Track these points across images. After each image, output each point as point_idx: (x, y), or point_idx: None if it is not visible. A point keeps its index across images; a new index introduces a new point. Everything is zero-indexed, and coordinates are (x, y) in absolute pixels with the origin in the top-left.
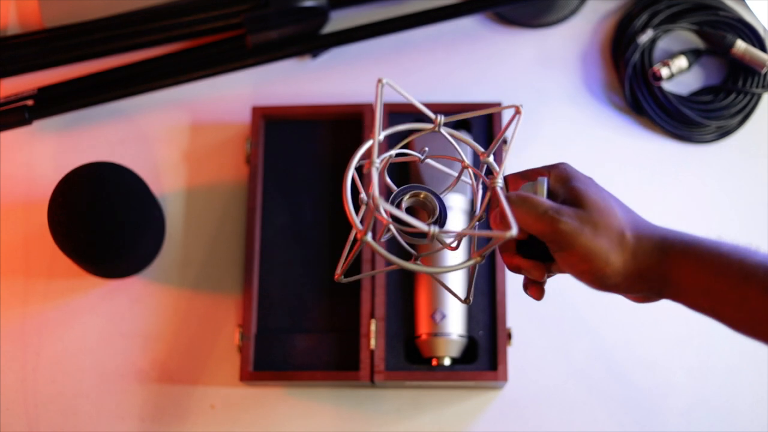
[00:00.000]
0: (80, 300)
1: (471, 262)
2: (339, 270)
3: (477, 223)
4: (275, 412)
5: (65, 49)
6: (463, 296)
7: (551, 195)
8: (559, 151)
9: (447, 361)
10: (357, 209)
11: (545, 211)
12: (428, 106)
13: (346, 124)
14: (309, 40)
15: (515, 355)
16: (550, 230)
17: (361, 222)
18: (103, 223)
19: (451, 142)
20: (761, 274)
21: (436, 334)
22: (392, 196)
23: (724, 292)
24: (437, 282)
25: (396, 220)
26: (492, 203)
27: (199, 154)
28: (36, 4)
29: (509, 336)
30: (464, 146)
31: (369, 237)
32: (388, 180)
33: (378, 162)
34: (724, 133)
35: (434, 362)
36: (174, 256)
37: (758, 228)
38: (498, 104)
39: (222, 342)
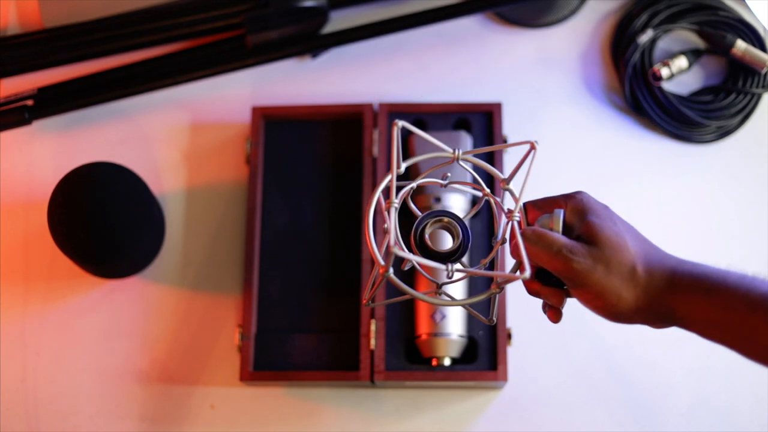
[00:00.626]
0: (80, 300)
1: (487, 294)
2: (367, 296)
3: (492, 259)
4: (275, 412)
5: (65, 49)
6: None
7: (567, 227)
8: (559, 152)
9: (447, 361)
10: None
11: (559, 249)
12: (428, 106)
13: (346, 124)
14: (309, 40)
15: (515, 355)
16: (564, 269)
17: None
18: (103, 223)
19: (471, 173)
20: (767, 304)
21: (436, 334)
22: (416, 222)
23: (732, 325)
24: (466, 307)
25: (419, 247)
26: (511, 233)
27: (199, 154)
28: (36, 4)
29: (509, 336)
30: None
31: (391, 272)
32: (412, 206)
33: (396, 202)
34: (724, 133)
35: (434, 362)
36: (174, 256)
37: (758, 228)
38: (497, 105)
39: (222, 342)
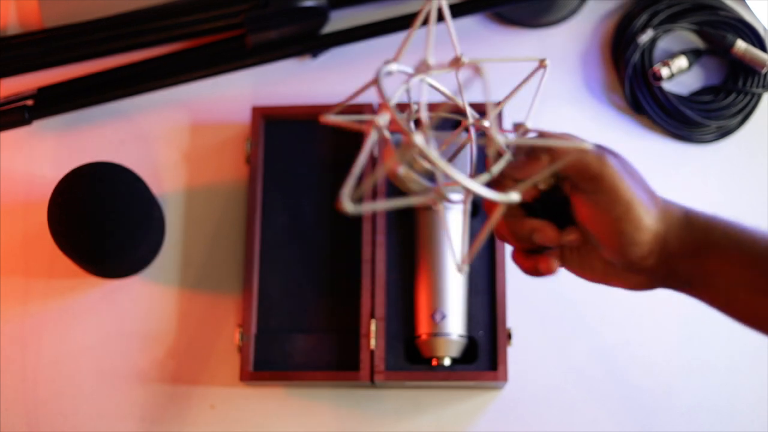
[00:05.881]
0: (80, 300)
1: (510, 196)
2: (346, 191)
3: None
4: (275, 412)
5: (65, 49)
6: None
7: None
8: None
9: (447, 362)
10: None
11: (590, 147)
12: (428, 106)
13: None
14: (309, 40)
15: (515, 355)
16: (597, 166)
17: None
18: (103, 223)
19: (460, 100)
20: None
21: (436, 334)
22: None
23: (744, 267)
24: (448, 235)
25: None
26: (517, 152)
27: (199, 154)
28: (36, 4)
29: (509, 336)
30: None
31: (420, 139)
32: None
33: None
34: (724, 133)
35: (434, 362)
36: (174, 256)
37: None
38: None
39: (222, 342)
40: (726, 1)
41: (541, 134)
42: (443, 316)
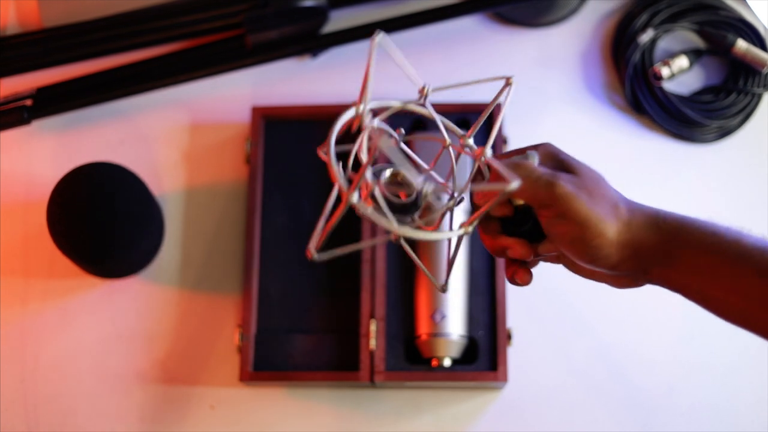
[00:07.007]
0: (80, 300)
1: (459, 232)
2: (313, 244)
3: (466, 191)
4: (275, 412)
5: (65, 49)
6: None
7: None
8: None
9: (447, 362)
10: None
11: (540, 175)
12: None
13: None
14: (309, 40)
15: (515, 355)
16: (546, 194)
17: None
18: (103, 223)
19: (438, 121)
20: (756, 255)
21: (436, 334)
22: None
23: (716, 270)
24: (417, 264)
25: (384, 195)
26: (477, 178)
27: (198, 154)
28: (35, 4)
29: (509, 336)
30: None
31: (356, 198)
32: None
33: (368, 108)
34: (724, 132)
35: (434, 363)
36: (174, 256)
37: (758, 228)
38: (497, 105)
39: (222, 342)
40: (726, 1)
41: (497, 157)
42: (443, 316)
